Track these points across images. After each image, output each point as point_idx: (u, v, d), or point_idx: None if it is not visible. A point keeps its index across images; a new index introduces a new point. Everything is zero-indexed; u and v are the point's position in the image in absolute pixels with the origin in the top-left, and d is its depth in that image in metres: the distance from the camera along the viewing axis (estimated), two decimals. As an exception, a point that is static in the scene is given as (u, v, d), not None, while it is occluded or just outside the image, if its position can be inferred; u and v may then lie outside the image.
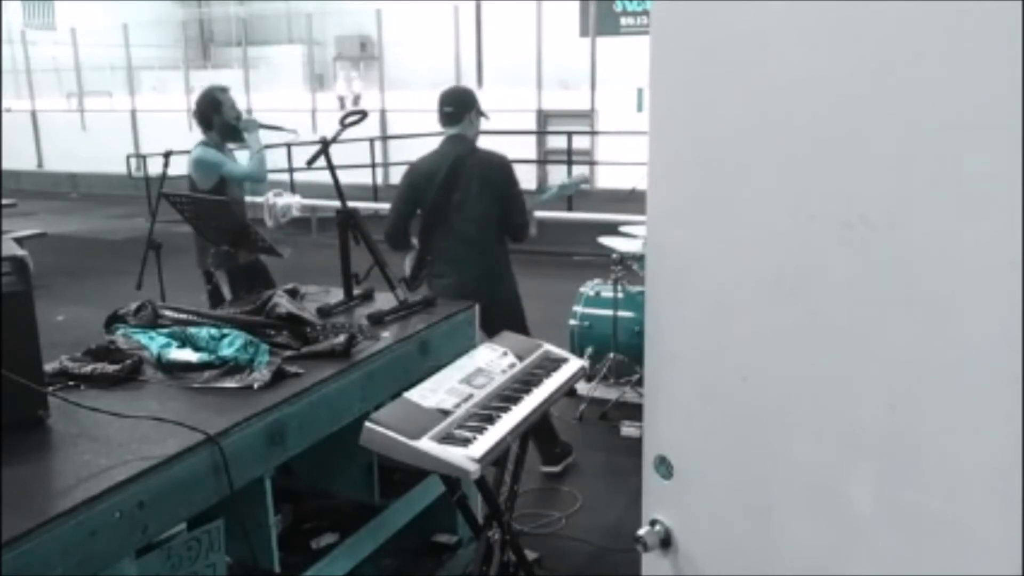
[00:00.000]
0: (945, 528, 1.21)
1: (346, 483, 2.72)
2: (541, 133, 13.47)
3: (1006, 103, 1.06)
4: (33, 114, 18.07)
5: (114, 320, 2.65)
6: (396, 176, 13.75)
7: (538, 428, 4.03)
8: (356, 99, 18.56)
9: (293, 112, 16.38)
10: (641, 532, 1.54)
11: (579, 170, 4.65)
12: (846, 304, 1.25)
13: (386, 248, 3.11)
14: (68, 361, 2.32)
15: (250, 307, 2.75)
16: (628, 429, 4.60)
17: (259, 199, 5.20)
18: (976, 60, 1.09)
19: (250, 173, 4.65)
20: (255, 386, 2.22)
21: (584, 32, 14.49)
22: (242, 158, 4.76)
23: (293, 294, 2.94)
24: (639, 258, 4.89)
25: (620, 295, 5.04)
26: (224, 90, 4.75)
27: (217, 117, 4.63)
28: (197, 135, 4.74)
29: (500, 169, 3.89)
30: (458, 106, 3.95)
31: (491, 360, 2.43)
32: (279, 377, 2.28)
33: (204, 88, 4.83)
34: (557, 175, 11.85)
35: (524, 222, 3.91)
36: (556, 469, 4.13)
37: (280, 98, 17.92)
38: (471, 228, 3.84)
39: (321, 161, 3.22)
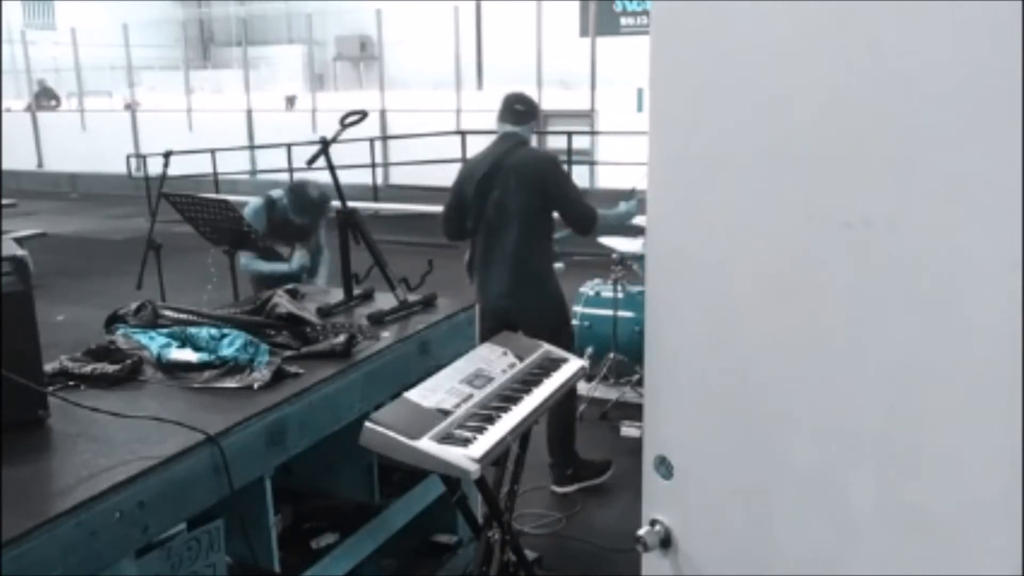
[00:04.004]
0: (945, 528, 1.21)
1: (346, 483, 2.72)
2: (541, 133, 13.45)
3: (1006, 103, 1.06)
4: (33, 114, 18.07)
5: (114, 320, 2.64)
6: (396, 176, 13.81)
7: (555, 442, 4.01)
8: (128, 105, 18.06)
9: (294, 112, 16.40)
10: (641, 532, 1.54)
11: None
12: (846, 304, 1.25)
13: (385, 248, 3.10)
14: (68, 361, 2.32)
15: (250, 307, 2.75)
16: (628, 429, 4.60)
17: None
18: (976, 61, 1.09)
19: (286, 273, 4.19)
20: (255, 386, 2.22)
21: (584, 32, 14.47)
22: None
23: (293, 294, 2.94)
24: (639, 258, 4.89)
25: (620, 295, 5.04)
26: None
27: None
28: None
29: (539, 168, 3.77)
30: (529, 108, 3.93)
31: (491, 360, 2.42)
32: (279, 377, 2.28)
33: (323, 192, 4.29)
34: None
35: (581, 216, 3.74)
36: (565, 490, 4.04)
37: (280, 98, 17.91)
38: (505, 229, 3.79)
39: (321, 161, 3.23)
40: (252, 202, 4.37)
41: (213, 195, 4.59)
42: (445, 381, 2.24)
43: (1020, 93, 1.05)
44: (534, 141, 4.05)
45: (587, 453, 4.16)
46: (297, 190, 4.31)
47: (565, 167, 3.87)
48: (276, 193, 4.36)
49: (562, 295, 3.96)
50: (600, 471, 4.13)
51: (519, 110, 3.90)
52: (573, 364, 2.55)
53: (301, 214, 4.24)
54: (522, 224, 3.76)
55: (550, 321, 3.76)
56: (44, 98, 17.63)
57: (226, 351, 2.36)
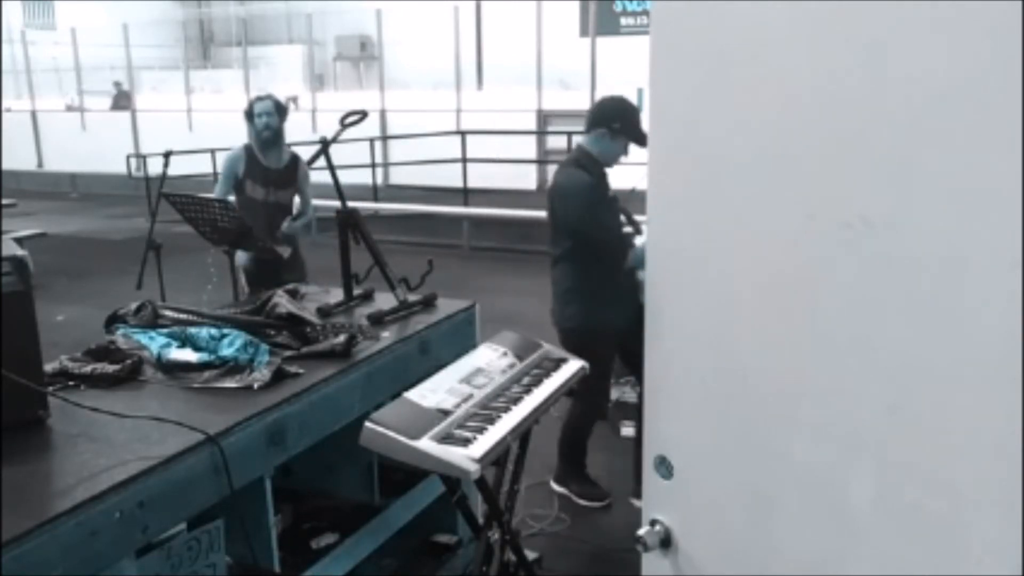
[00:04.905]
0: (945, 528, 1.21)
1: (346, 483, 2.72)
2: (541, 133, 13.45)
3: (1006, 103, 1.06)
4: (33, 114, 18.06)
5: (114, 320, 2.65)
6: (396, 176, 13.80)
7: (562, 443, 3.98)
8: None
9: (294, 112, 16.39)
10: (641, 532, 1.54)
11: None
12: (846, 304, 1.25)
13: (385, 248, 3.10)
14: (68, 361, 2.32)
15: (250, 307, 2.76)
16: (628, 429, 4.59)
17: None
18: (976, 60, 1.09)
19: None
20: (255, 386, 2.22)
21: (584, 32, 14.46)
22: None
23: (293, 294, 2.94)
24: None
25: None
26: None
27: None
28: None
29: (563, 193, 3.65)
30: (593, 116, 3.69)
31: (491, 360, 2.42)
32: (279, 377, 2.28)
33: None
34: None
35: (600, 241, 3.59)
36: (560, 490, 4.02)
37: (280, 98, 17.88)
38: (552, 245, 3.80)
39: (321, 161, 3.23)
40: (232, 149, 4.67)
41: (213, 195, 4.59)
42: (445, 381, 2.24)
43: (1020, 93, 1.05)
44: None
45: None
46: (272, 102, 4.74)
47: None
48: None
49: (594, 320, 3.67)
50: (596, 499, 3.98)
51: (588, 118, 3.69)
52: (573, 364, 2.55)
53: (280, 113, 4.71)
54: (556, 242, 3.75)
55: (571, 341, 3.60)
56: (123, 99, 17.75)
57: (226, 351, 2.36)
